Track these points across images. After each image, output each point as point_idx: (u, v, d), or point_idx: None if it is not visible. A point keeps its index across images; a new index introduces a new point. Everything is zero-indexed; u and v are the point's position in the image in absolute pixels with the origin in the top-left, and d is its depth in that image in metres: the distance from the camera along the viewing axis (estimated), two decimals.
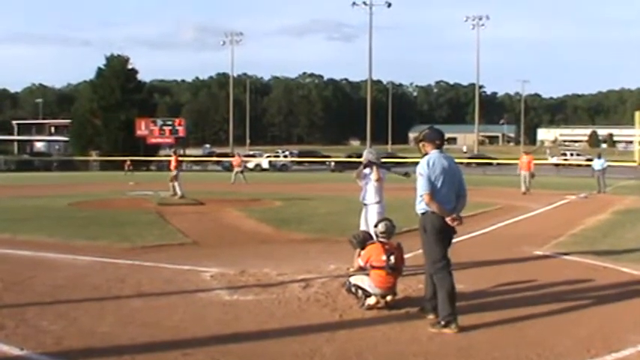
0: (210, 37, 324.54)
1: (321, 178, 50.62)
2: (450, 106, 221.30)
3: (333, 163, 69.45)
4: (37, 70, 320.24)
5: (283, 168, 70.64)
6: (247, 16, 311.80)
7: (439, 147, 7.72)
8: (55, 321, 7.61)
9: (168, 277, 10.30)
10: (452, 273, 7.51)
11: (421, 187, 7.47)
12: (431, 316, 7.56)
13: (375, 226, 8.69)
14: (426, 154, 7.69)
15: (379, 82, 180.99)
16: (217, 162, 72.39)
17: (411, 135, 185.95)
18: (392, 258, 8.12)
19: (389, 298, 8.14)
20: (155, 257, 12.00)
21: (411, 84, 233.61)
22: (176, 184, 26.38)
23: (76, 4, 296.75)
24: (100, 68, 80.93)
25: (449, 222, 7.37)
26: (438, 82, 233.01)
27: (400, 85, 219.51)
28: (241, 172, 41.70)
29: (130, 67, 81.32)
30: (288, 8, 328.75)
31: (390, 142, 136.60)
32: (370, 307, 8.11)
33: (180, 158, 27.71)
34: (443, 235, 7.51)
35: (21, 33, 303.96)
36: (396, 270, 8.16)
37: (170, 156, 32.27)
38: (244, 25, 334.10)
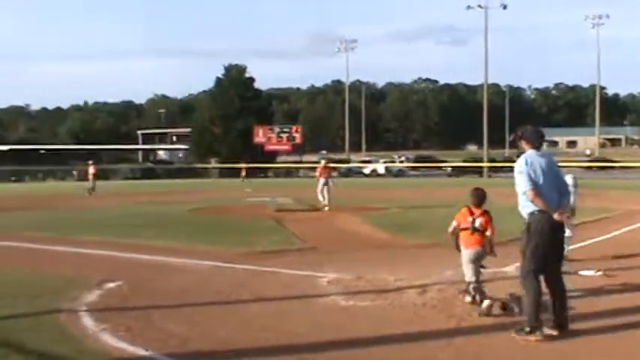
0: (323, 45, 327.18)
1: (438, 183, 50.12)
2: (569, 108, 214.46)
3: (449, 169, 68.59)
4: (160, 81, 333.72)
5: (400, 173, 70.34)
6: (357, 23, 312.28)
7: (537, 147, 7.61)
8: (179, 323, 7.87)
9: (286, 282, 10.49)
10: (540, 280, 7.29)
11: (523, 183, 7.33)
12: (546, 330, 7.27)
13: None
14: (523, 152, 7.66)
15: (496, 85, 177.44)
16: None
17: None
18: (477, 221, 8.80)
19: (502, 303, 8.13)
20: (273, 262, 12.20)
21: (529, 87, 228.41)
22: (325, 191, 24.67)
23: (195, 18, 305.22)
24: (218, 78, 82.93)
25: (557, 217, 7.19)
26: (556, 85, 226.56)
27: (518, 88, 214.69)
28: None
29: (247, 75, 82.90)
30: (397, 14, 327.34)
31: (507, 146, 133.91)
32: (486, 314, 8.03)
33: (327, 166, 25.91)
34: (549, 238, 7.29)
35: (144, 47, 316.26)
36: (478, 231, 8.77)
37: (318, 162, 31.09)
38: (354, 32, 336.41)
